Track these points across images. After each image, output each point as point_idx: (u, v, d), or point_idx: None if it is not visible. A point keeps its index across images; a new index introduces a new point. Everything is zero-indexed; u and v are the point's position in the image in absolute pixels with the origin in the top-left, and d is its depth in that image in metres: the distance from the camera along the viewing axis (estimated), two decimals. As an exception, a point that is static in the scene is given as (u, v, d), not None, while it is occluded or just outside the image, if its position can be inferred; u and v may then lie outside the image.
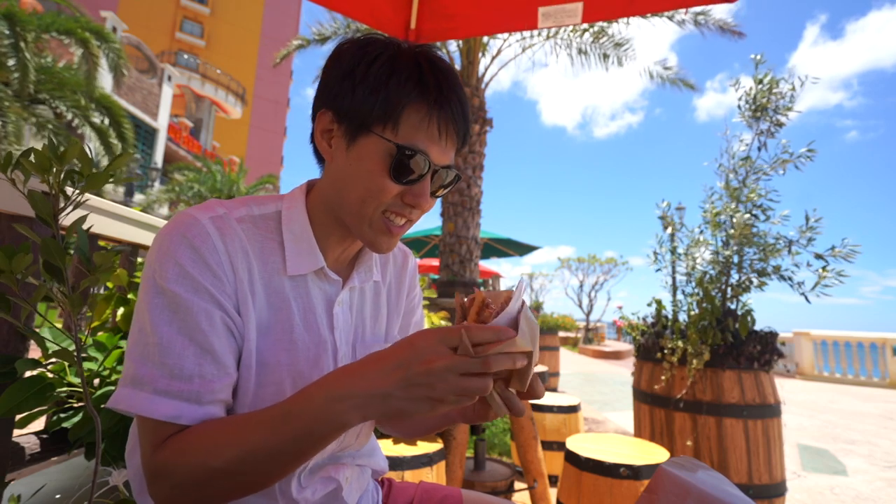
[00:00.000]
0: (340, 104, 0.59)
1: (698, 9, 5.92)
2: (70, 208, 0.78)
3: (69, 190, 0.78)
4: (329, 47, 7.01)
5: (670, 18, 5.97)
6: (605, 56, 6.57)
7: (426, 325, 2.63)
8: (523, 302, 0.50)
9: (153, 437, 0.52)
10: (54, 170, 0.73)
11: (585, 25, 6.30)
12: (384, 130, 0.57)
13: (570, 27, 6.34)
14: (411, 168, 0.58)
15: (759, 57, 2.63)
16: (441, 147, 0.60)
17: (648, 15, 5.91)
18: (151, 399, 0.51)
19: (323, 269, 0.64)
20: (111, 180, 0.80)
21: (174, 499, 0.51)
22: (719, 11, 6.02)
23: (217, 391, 0.54)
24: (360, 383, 0.47)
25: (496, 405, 0.51)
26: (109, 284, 1.25)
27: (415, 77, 0.57)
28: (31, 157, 0.72)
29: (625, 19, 6.02)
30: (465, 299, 0.54)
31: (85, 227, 0.80)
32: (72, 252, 0.78)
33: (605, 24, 6.30)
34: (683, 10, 5.92)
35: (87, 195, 0.79)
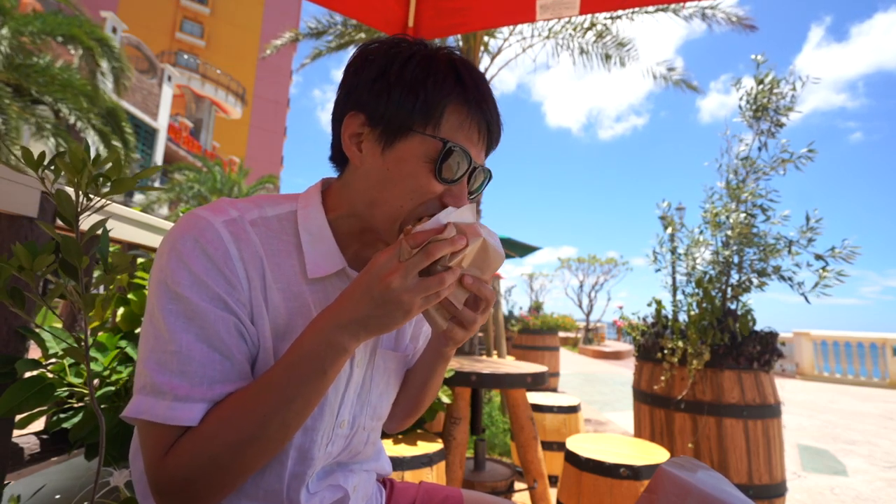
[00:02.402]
0: (374, 107, 0.57)
1: (706, 3, 5.78)
2: (89, 211, 0.79)
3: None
4: (324, 42, 6.96)
5: (676, 13, 5.82)
6: (608, 56, 6.43)
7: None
8: (475, 223, 0.54)
9: (162, 442, 0.51)
10: (86, 172, 0.74)
11: (588, 24, 6.24)
12: (426, 129, 0.56)
13: (573, 27, 6.30)
14: (455, 166, 0.57)
15: (760, 57, 2.63)
16: (477, 149, 0.60)
17: (652, 9, 5.83)
18: (172, 407, 0.50)
19: (344, 270, 0.62)
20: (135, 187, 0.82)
21: (191, 493, 0.50)
22: (728, 4, 5.82)
23: None
24: (342, 315, 0.51)
25: (440, 320, 0.57)
26: (111, 286, 1.25)
27: (452, 77, 0.57)
28: (66, 158, 0.73)
29: (629, 17, 5.96)
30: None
31: (101, 230, 0.81)
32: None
33: (608, 23, 6.20)
34: (691, 5, 5.82)
35: (104, 199, 0.80)
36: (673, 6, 5.81)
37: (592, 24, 6.21)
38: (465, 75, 0.58)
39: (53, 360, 0.98)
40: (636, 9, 5.81)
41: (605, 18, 6.06)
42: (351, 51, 7.35)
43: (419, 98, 0.56)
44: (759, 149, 2.62)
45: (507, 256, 10.71)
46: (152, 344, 0.51)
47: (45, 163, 0.74)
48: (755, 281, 2.47)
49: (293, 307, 0.58)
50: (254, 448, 0.50)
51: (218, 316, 0.52)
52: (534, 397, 3.08)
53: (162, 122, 18.03)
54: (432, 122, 0.56)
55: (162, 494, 0.50)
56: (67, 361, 0.98)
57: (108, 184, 0.77)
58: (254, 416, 0.50)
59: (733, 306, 2.50)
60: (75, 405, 1.03)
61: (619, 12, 5.89)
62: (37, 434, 1.04)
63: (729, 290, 2.53)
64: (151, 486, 0.51)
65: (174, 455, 0.50)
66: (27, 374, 0.88)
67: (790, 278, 2.38)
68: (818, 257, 2.33)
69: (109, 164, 0.78)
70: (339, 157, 0.64)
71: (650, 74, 6.84)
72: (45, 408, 0.94)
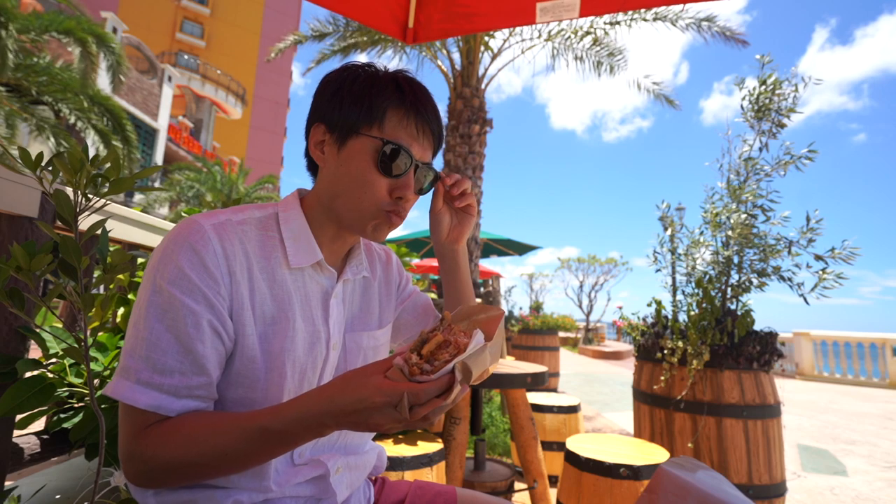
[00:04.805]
0: (331, 116, 0.68)
1: (702, 15, 5.85)
2: (88, 211, 0.79)
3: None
4: (326, 44, 7.02)
5: (674, 24, 5.91)
6: (599, 63, 6.56)
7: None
8: (484, 346, 0.53)
9: (135, 423, 0.57)
10: (84, 172, 0.75)
11: (584, 31, 6.28)
12: (370, 130, 0.66)
13: (572, 30, 6.32)
14: (396, 161, 0.67)
15: (764, 58, 2.62)
16: (420, 145, 0.69)
17: (651, 18, 5.89)
18: (133, 388, 0.56)
19: (320, 262, 0.71)
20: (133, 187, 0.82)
21: (148, 478, 0.57)
22: (723, 18, 5.95)
23: (194, 388, 0.59)
24: (328, 416, 0.53)
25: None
26: (111, 286, 1.25)
27: (392, 86, 0.68)
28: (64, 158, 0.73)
29: (627, 23, 5.99)
30: (430, 332, 0.56)
31: (101, 230, 0.81)
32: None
33: (601, 33, 6.28)
34: (687, 16, 5.87)
35: (103, 200, 0.80)
36: (670, 17, 5.87)
37: (589, 31, 6.27)
38: (404, 84, 0.68)
39: (54, 360, 0.98)
40: (635, 16, 5.85)
41: (605, 24, 6.10)
42: (354, 54, 7.37)
43: (364, 105, 0.66)
44: (761, 149, 2.62)
45: (507, 255, 10.72)
46: (131, 331, 0.59)
47: (44, 163, 0.74)
48: (755, 281, 2.47)
49: (277, 294, 0.66)
50: (207, 469, 0.57)
51: (191, 310, 0.58)
52: (534, 397, 3.08)
53: (162, 123, 18.03)
54: (376, 124, 0.66)
55: (129, 466, 0.58)
56: (68, 361, 0.98)
57: (107, 184, 0.77)
58: (218, 447, 0.55)
59: (733, 306, 2.50)
60: (76, 405, 1.04)
61: (619, 18, 5.91)
62: (37, 434, 1.04)
63: (729, 290, 2.53)
64: (122, 458, 0.58)
65: (146, 438, 0.57)
66: (28, 374, 0.88)
67: (790, 279, 2.38)
68: (818, 258, 2.32)
69: (108, 165, 0.78)
70: (311, 165, 0.74)
71: (636, 85, 6.95)
72: (45, 408, 0.94)
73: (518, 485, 2.32)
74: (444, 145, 0.75)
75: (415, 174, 0.70)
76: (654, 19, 5.87)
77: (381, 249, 0.91)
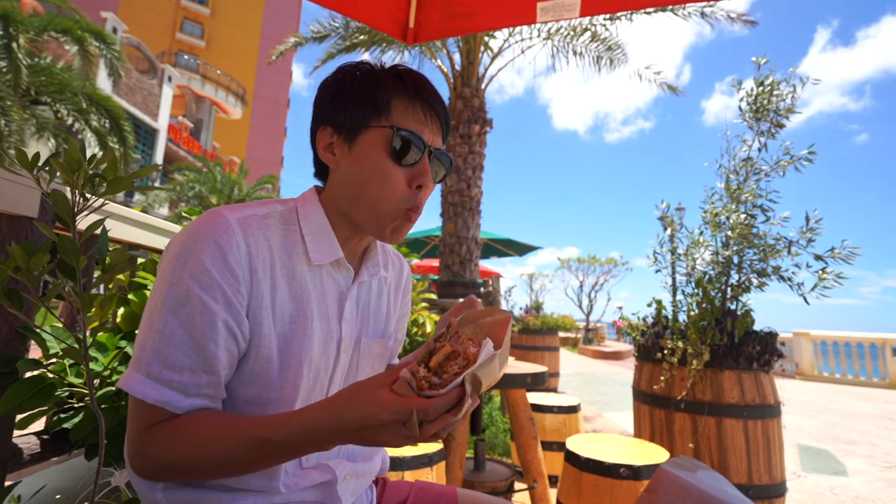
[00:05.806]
0: (336, 117, 0.67)
1: (704, 3, 5.83)
2: (87, 211, 0.79)
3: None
4: (327, 46, 7.04)
5: (675, 13, 5.86)
6: (599, 58, 6.58)
7: (427, 326, 2.61)
8: (494, 355, 0.51)
9: (143, 419, 0.57)
10: (81, 172, 0.75)
11: (583, 27, 6.28)
12: (379, 122, 0.65)
13: (571, 28, 6.32)
14: (409, 148, 0.65)
15: (761, 59, 2.62)
16: (430, 129, 0.68)
17: (652, 10, 5.86)
18: (143, 382, 0.56)
19: (339, 260, 0.70)
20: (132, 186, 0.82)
21: (152, 475, 0.58)
22: (728, 4, 5.88)
23: (203, 386, 0.59)
24: (330, 432, 0.52)
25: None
26: (111, 285, 1.25)
27: (392, 77, 0.67)
28: (62, 159, 0.73)
29: (627, 18, 5.98)
30: (436, 341, 0.53)
31: (99, 230, 0.81)
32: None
33: (601, 29, 6.28)
34: (689, 6, 5.85)
35: (102, 199, 0.80)
36: (672, 7, 5.84)
37: (587, 28, 6.26)
38: (404, 74, 0.68)
39: (54, 360, 0.98)
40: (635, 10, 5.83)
41: (605, 20, 6.09)
42: (358, 53, 7.37)
43: (368, 99, 0.66)
44: (759, 150, 2.62)
45: (507, 255, 10.72)
46: (145, 322, 0.58)
47: (41, 163, 0.74)
48: (755, 281, 2.47)
49: (296, 291, 0.65)
50: (209, 472, 0.57)
51: (208, 308, 0.57)
52: (534, 397, 3.08)
53: (162, 123, 18.03)
54: (383, 115, 0.65)
55: (135, 461, 0.58)
56: (68, 361, 0.98)
57: (105, 184, 0.77)
58: (220, 453, 0.55)
59: (733, 306, 2.50)
60: (76, 405, 1.03)
61: (618, 14, 5.91)
62: (37, 434, 1.03)
63: (729, 290, 2.53)
64: (128, 452, 0.58)
65: (153, 436, 0.57)
66: (28, 374, 0.88)
67: (790, 279, 2.38)
68: (818, 258, 2.32)
69: (105, 164, 0.78)
70: (321, 169, 0.74)
71: (637, 76, 6.96)
72: (45, 408, 0.94)
73: (518, 485, 2.32)
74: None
75: (430, 159, 0.68)
76: (655, 11, 5.83)
77: (395, 255, 0.89)
